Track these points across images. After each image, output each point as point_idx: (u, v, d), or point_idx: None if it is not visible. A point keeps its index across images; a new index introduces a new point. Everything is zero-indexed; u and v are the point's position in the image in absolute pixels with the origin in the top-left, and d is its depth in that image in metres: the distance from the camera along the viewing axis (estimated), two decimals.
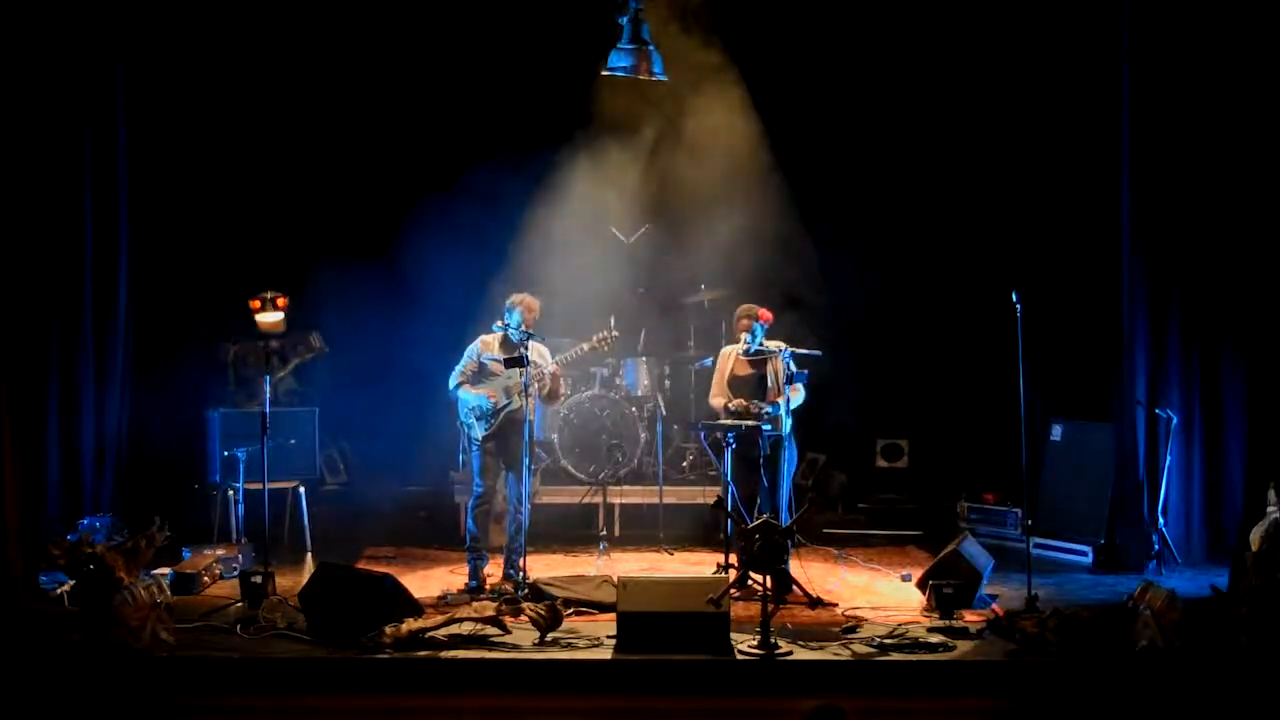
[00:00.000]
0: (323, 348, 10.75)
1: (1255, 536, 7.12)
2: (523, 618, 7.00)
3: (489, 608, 7.12)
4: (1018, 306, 7.74)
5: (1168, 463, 8.93)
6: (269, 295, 10.42)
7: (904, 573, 8.65)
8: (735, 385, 8.62)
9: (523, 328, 8.31)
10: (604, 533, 9.60)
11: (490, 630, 6.98)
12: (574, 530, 9.93)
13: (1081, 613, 7.13)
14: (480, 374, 8.43)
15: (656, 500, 9.96)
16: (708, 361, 10.58)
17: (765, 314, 8.48)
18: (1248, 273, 8.90)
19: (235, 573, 8.21)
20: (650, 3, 9.66)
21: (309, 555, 9.42)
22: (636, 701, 6.54)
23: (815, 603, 7.55)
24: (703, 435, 10.19)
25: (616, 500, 10.07)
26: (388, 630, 6.79)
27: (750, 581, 7.97)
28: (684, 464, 10.77)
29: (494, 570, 8.46)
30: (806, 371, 8.40)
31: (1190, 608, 6.95)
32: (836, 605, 7.84)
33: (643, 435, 10.15)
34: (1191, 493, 9.11)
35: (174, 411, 9.91)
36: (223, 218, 10.52)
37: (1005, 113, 10.52)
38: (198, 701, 6.48)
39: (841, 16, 10.59)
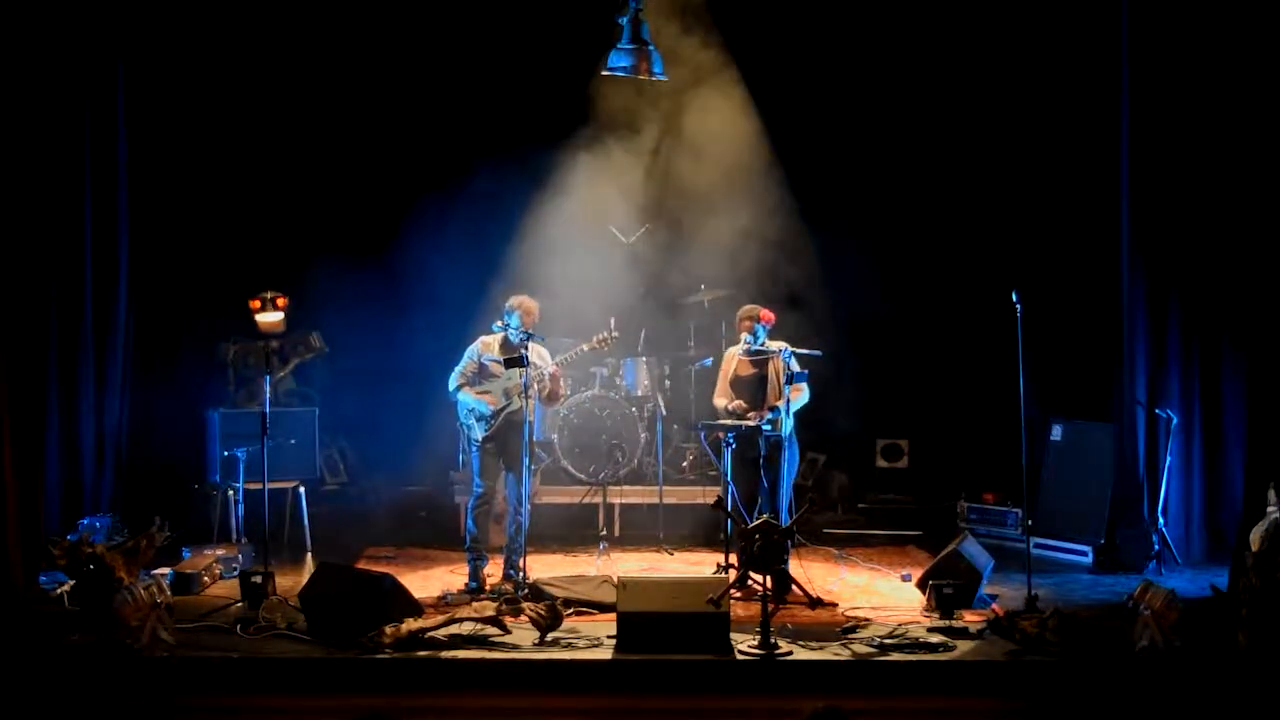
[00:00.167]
0: (323, 348, 10.75)
1: (1255, 536, 7.12)
2: (523, 618, 7.00)
3: (489, 608, 7.12)
4: (1018, 306, 7.74)
5: (1168, 463, 8.94)
6: (269, 295, 10.42)
7: (904, 573, 8.65)
8: (737, 386, 8.63)
9: (522, 329, 8.31)
10: (604, 533, 9.60)
11: (490, 630, 6.98)
12: (574, 530, 9.92)
13: (1081, 613, 7.15)
14: (480, 375, 8.43)
15: (656, 500, 9.96)
16: (707, 362, 10.59)
17: (767, 315, 8.49)
18: (1247, 273, 8.90)
19: (235, 573, 8.20)
20: (650, 3, 9.65)
21: (309, 555, 9.43)
22: (636, 701, 6.54)
23: (815, 603, 7.55)
24: (703, 435, 10.21)
25: (616, 500, 10.07)
26: (388, 630, 6.79)
27: (750, 581, 7.97)
28: (684, 464, 10.76)
29: (494, 570, 8.45)
30: (807, 371, 8.40)
31: (1190, 608, 6.95)
32: (836, 605, 7.84)
33: (643, 435, 10.14)
34: (1191, 493, 9.11)
35: (174, 411, 9.91)
36: (222, 218, 10.51)
37: (1005, 113, 10.52)
38: (198, 701, 6.48)
39: (842, 16, 10.58)
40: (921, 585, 7.97)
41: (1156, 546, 8.83)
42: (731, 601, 7.09)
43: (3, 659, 6.64)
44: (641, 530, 10.01)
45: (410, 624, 6.89)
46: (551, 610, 7.03)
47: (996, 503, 10.02)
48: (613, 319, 9.74)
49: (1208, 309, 9.04)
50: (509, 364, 8.23)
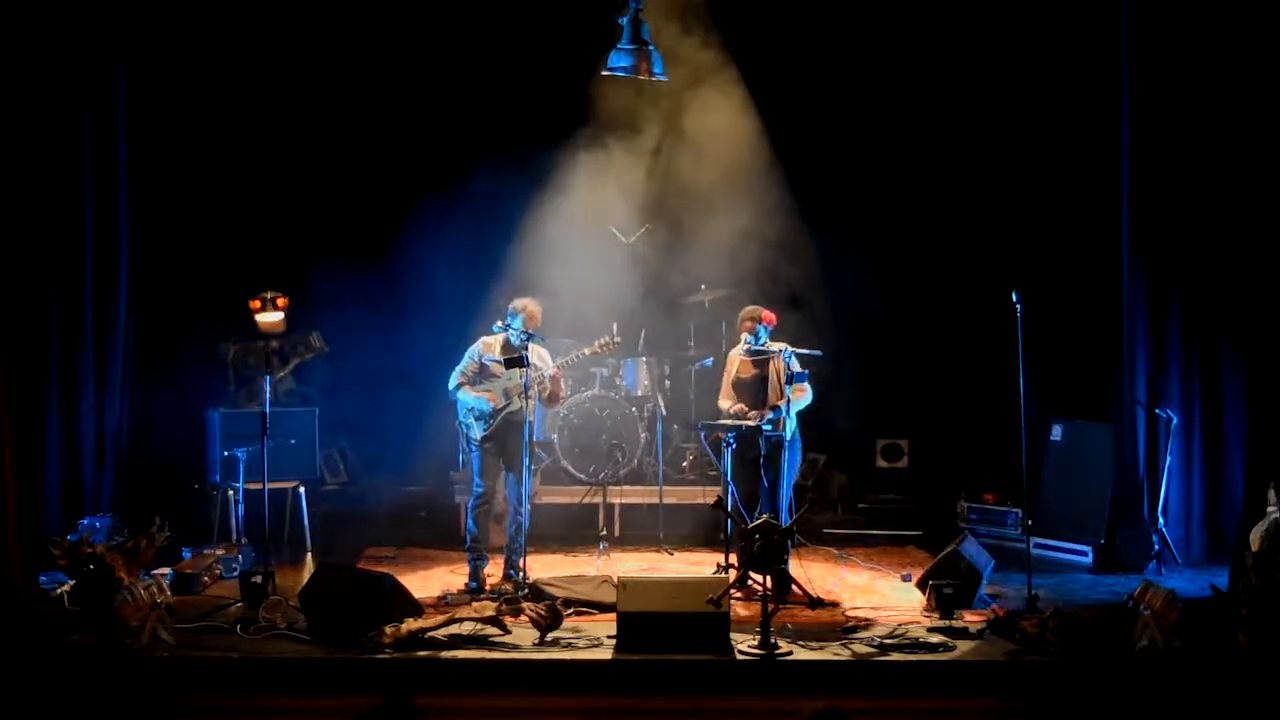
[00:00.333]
0: (323, 348, 10.74)
1: (1255, 536, 7.12)
2: (523, 618, 7.00)
3: (489, 608, 7.12)
4: (1018, 306, 7.74)
5: (1168, 463, 8.94)
6: (269, 295, 10.42)
7: (904, 573, 8.65)
8: (739, 386, 8.64)
9: (524, 330, 8.30)
10: (604, 533, 9.60)
11: (490, 630, 6.98)
12: (574, 530, 9.92)
13: (1081, 613, 7.14)
14: (481, 375, 8.43)
15: (656, 500, 9.96)
16: (708, 362, 10.59)
17: (769, 316, 8.49)
18: (1247, 272, 8.91)
19: (235, 573, 8.21)
20: (650, 3, 9.64)
21: (309, 555, 9.43)
22: (636, 701, 6.54)
23: (815, 603, 7.55)
24: (703, 435, 10.21)
25: (616, 500, 10.07)
26: (388, 630, 6.79)
27: (750, 581, 7.97)
28: (684, 464, 10.76)
29: (494, 570, 8.45)
30: (807, 372, 8.40)
31: (1190, 608, 6.95)
32: (836, 605, 7.84)
33: (643, 435, 10.14)
34: (1191, 493, 9.12)
35: (174, 411, 9.91)
36: (223, 218, 10.51)
37: (1005, 113, 10.51)
38: (198, 701, 6.48)
39: (842, 16, 10.57)
40: (921, 585, 7.97)
41: (1156, 546, 8.83)
42: (731, 601, 7.09)
43: (3, 659, 6.64)
44: (641, 530, 10.01)
45: (410, 624, 6.89)
46: (551, 610, 7.03)
47: (996, 503, 10.02)
48: (615, 323, 9.75)
49: (1207, 309, 9.05)
50: (509, 364, 8.23)
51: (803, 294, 10.37)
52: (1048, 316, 8.83)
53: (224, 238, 10.53)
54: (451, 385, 8.47)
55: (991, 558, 8.29)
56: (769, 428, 8.21)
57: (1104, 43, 9.22)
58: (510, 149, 10.50)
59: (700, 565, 9.02)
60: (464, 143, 10.76)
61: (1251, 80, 8.76)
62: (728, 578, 7.44)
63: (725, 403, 8.71)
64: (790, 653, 6.78)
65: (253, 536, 9.01)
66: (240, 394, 10.31)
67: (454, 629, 6.95)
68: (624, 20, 9.45)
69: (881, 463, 11.16)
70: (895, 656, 6.79)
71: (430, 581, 8.51)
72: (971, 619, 7.38)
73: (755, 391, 8.54)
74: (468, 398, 8.39)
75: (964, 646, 6.96)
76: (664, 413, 10.16)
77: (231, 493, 9.28)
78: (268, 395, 8.19)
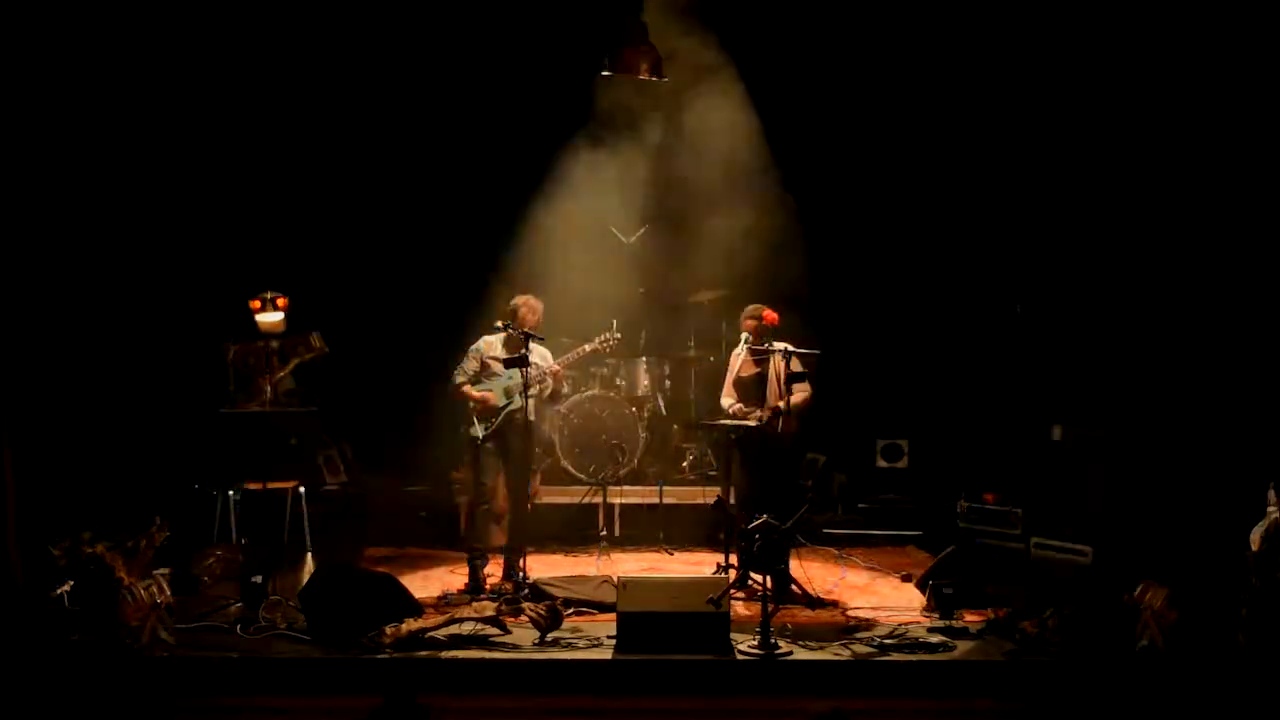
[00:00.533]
0: (323, 348, 10.71)
1: (1255, 536, 7.11)
2: (523, 618, 7.00)
3: (489, 608, 7.12)
4: (1018, 308, 7.73)
5: None
6: (269, 295, 10.38)
7: (904, 573, 8.64)
8: (740, 385, 8.66)
9: (525, 329, 8.30)
10: (604, 533, 9.60)
11: (490, 630, 6.98)
12: (574, 530, 9.92)
13: (1081, 613, 7.13)
14: (482, 374, 8.43)
15: (656, 500, 9.96)
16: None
17: (770, 315, 8.48)
18: (1246, 272, 8.91)
19: (235, 573, 8.21)
20: (650, 3, 9.65)
21: (309, 555, 9.42)
22: (636, 701, 6.54)
23: (815, 603, 7.55)
24: (703, 435, 10.22)
25: (616, 500, 10.06)
26: (388, 630, 6.79)
27: (750, 581, 7.97)
28: (684, 464, 10.77)
29: (494, 570, 8.45)
30: (806, 372, 8.40)
31: (1190, 608, 6.94)
32: (836, 605, 7.84)
33: (643, 435, 10.14)
34: None
35: (174, 411, 9.90)
36: (223, 217, 10.51)
37: (1006, 113, 10.50)
38: (198, 701, 6.48)
39: (843, 16, 10.56)
40: (921, 585, 7.97)
41: None
42: (731, 601, 7.09)
43: (3, 659, 6.64)
44: (641, 530, 10.01)
45: (410, 624, 6.89)
46: (551, 610, 7.03)
47: (996, 503, 10.00)
48: (615, 320, 9.74)
49: (1207, 309, 9.04)
50: (510, 364, 8.23)
51: (803, 294, 10.35)
52: (1048, 317, 8.83)
53: (224, 237, 10.52)
54: (452, 385, 8.47)
55: (990, 557, 8.28)
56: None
57: (1103, 41, 9.24)
58: (510, 149, 10.50)
59: (700, 565, 9.02)
60: (464, 143, 10.75)
61: (1250, 78, 8.79)
62: (728, 578, 7.45)
63: (726, 400, 8.72)
64: (790, 653, 6.79)
65: (253, 536, 9.01)
66: (240, 394, 10.30)
67: (454, 629, 6.95)
68: (624, 20, 9.45)
69: (881, 463, 11.14)
70: (895, 656, 6.79)
71: (430, 581, 8.51)
72: (971, 619, 7.39)
73: (755, 391, 8.54)
74: (469, 398, 8.39)
75: (964, 646, 6.97)
76: (664, 413, 10.15)
77: (231, 493, 9.28)
78: (268, 395, 8.18)
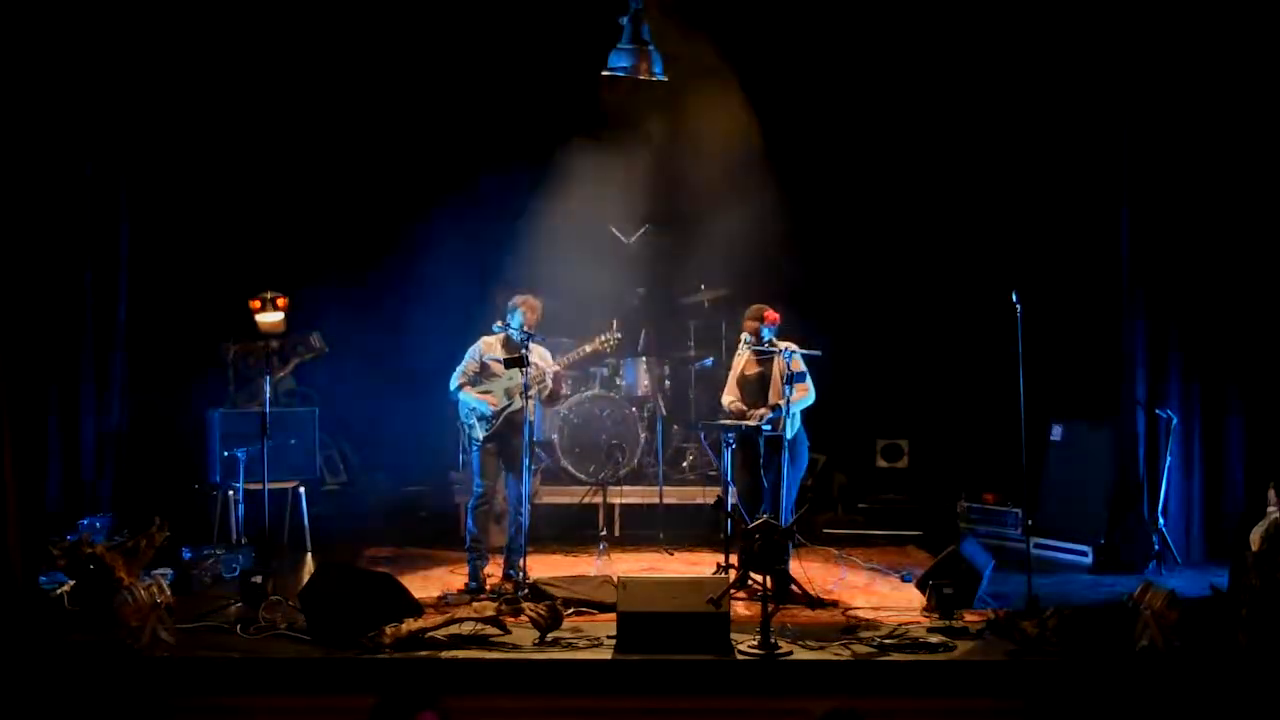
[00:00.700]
0: (323, 348, 10.74)
1: (1255, 536, 7.12)
2: (523, 618, 6.99)
3: (489, 608, 7.12)
4: (1018, 307, 7.74)
5: (1168, 463, 8.95)
6: (269, 295, 10.40)
7: (904, 573, 8.64)
8: (743, 384, 8.66)
9: (524, 329, 8.30)
10: (604, 533, 9.59)
11: (490, 630, 6.98)
12: (574, 530, 9.92)
13: (1081, 613, 7.13)
14: (482, 374, 8.43)
15: (656, 500, 9.96)
16: (708, 362, 10.60)
17: (772, 315, 8.48)
18: (1246, 273, 8.92)
19: (235, 573, 8.21)
20: (650, 3, 9.64)
21: (309, 555, 9.43)
22: (636, 701, 6.54)
23: (815, 603, 7.55)
24: (703, 435, 10.22)
25: (616, 500, 10.06)
26: (388, 630, 6.79)
27: (750, 581, 7.97)
28: (684, 464, 10.77)
29: (494, 570, 8.46)
30: (806, 371, 8.40)
31: (1190, 608, 6.94)
32: (836, 605, 7.84)
33: (643, 435, 10.14)
34: (1191, 493, 9.13)
35: (174, 411, 9.91)
36: (223, 217, 10.51)
37: (1006, 113, 10.50)
38: (198, 701, 6.48)
39: (843, 16, 10.56)
40: (921, 585, 7.97)
41: (1156, 546, 8.84)
42: (732, 601, 7.09)
43: (3, 660, 6.64)
44: (641, 530, 10.01)
45: (410, 624, 6.89)
46: (551, 610, 7.03)
47: (996, 503, 10.02)
48: (615, 320, 9.73)
49: (1207, 309, 9.05)
50: (509, 364, 8.23)
51: (803, 294, 10.36)
52: (1048, 316, 8.83)
53: (224, 238, 10.52)
54: (452, 385, 8.47)
55: (992, 558, 8.29)
56: (768, 428, 8.21)
57: (1105, 44, 9.24)
58: (510, 149, 10.51)
59: (700, 565, 9.02)
60: (464, 143, 10.75)
61: (1250, 82, 8.79)
62: (728, 578, 7.44)
63: (728, 398, 8.72)
64: (790, 653, 6.78)
65: (253, 536, 9.01)
66: (240, 394, 10.30)
67: (454, 629, 6.94)
68: (624, 20, 9.44)
69: (881, 463, 11.15)
70: (895, 656, 6.79)
71: (430, 581, 8.50)
72: (971, 619, 7.38)
73: (758, 391, 8.54)
74: (469, 398, 8.39)
75: (964, 646, 6.96)
76: (664, 413, 10.16)
77: (231, 493, 9.28)
78: (268, 395, 8.19)
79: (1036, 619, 6.95)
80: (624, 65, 9.51)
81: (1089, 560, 9.15)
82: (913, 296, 10.99)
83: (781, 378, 8.35)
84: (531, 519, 8.42)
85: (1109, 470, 9.27)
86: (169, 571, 8.09)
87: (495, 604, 7.16)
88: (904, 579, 8.52)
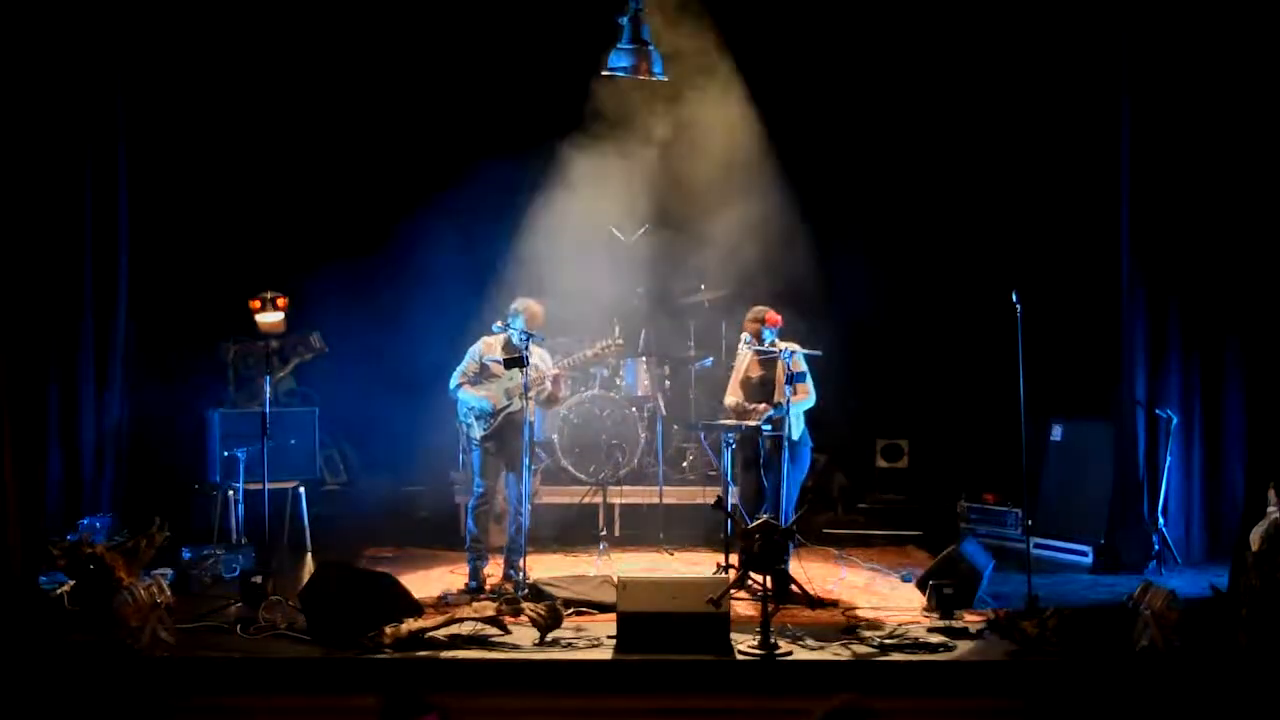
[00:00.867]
0: (323, 348, 10.74)
1: (1255, 536, 7.13)
2: (523, 618, 6.99)
3: (489, 608, 7.12)
4: (1018, 306, 7.74)
5: (1168, 463, 8.95)
6: (269, 295, 10.41)
7: (904, 573, 8.64)
8: (747, 386, 8.67)
9: (525, 331, 8.29)
10: (604, 533, 9.60)
11: (490, 630, 6.98)
12: (574, 530, 9.92)
13: (1081, 613, 7.13)
14: (482, 375, 8.43)
15: (656, 500, 9.96)
16: (708, 362, 10.59)
17: (774, 317, 8.47)
18: (1247, 273, 8.91)
19: (235, 573, 8.21)
20: (650, 2, 9.64)
21: (309, 555, 9.43)
22: (636, 701, 6.54)
23: (815, 603, 7.55)
24: (703, 435, 10.21)
25: (616, 500, 10.06)
26: (388, 630, 6.79)
27: (750, 581, 7.97)
28: (684, 464, 10.77)
29: (494, 570, 8.46)
30: (805, 372, 8.40)
31: (1190, 608, 6.95)
32: (836, 605, 7.84)
33: (643, 435, 10.14)
34: (1191, 493, 9.12)
35: (174, 411, 9.91)
36: (223, 218, 10.51)
37: (1006, 113, 10.50)
38: (198, 701, 6.48)
39: (843, 16, 10.56)
40: (921, 585, 7.97)
41: (1156, 546, 8.84)
42: (732, 601, 7.09)
43: (3, 659, 6.64)
44: (641, 530, 10.01)
45: (410, 624, 6.89)
46: (551, 610, 7.03)
47: (996, 503, 10.02)
48: (617, 325, 9.72)
49: (1207, 309, 9.05)
50: (509, 364, 8.23)
51: (803, 294, 10.35)
52: (1048, 316, 8.83)
53: (224, 238, 10.52)
54: (452, 385, 8.47)
55: (992, 558, 8.29)
56: (768, 428, 8.21)
57: (1105, 41, 9.23)
58: (510, 149, 10.49)
59: (700, 565, 9.02)
60: (464, 143, 10.75)
61: (1250, 84, 8.78)
62: (728, 578, 7.44)
63: (731, 400, 8.72)
64: (790, 653, 6.78)
65: (253, 536, 9.01)
66: (240, 394, 10.31)
67: (454, 629, 6.94)
68: (624, 20, 9.44)
69: (881, 463, 11.15)
70: (895, 656, 6.79)
71: (430, 581, 8.51)
72: (971, 619, 7.38)
73: (761, 392, 8.55)
74: (468, 397, 8.39)
75: (964, 647, 6.96)
76: (664, 413, 10.16)
77: (231, 493, 9.28)
78: (268, 395, 8.19)
79: (1036, 619, 6.94)
80: (624, 65, 9.51)
81: (1089, 560, 9.14)
82: (913, 296, 10.99)
83: (782, 378, 8.35)
84: (531, 519, 8.43)
85: (1109, 470, 9.27)
86: (169, 571, 8.09)
87: (495, 604, 7.16)
88: (904, 579, 8.53)
